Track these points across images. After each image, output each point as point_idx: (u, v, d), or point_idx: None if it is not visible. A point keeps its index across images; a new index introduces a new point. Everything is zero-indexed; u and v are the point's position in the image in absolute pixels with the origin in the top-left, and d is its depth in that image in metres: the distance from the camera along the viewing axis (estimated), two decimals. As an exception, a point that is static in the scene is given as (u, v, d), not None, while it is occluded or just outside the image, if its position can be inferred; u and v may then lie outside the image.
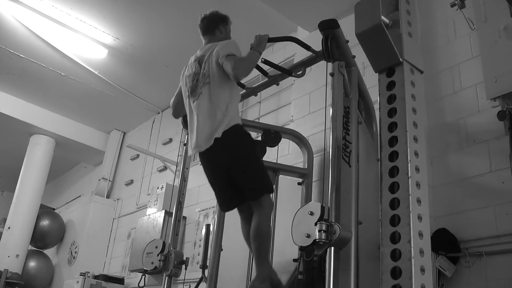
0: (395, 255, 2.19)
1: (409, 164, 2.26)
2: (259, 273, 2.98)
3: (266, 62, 3.40)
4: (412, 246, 2.13)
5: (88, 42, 6.68)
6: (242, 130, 3.16)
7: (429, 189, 3.66)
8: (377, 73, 2.63)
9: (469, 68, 3.89)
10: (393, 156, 2.36)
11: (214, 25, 3.43)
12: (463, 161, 3.69)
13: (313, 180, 4.32)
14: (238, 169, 3.09)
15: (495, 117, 3.41)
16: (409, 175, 2.24)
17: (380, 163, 2.44)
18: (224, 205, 3.37)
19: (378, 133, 2.55)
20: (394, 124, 2.43)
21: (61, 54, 7.04)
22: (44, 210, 8.69)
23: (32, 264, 8.10)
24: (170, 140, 7.64)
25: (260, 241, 3.02)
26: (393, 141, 2.40)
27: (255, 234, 3.02)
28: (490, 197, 3.40)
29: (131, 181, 8.33)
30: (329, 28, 2.79)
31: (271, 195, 3.23)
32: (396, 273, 2.14)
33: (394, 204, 2.28)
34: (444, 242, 3.40)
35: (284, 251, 4.02)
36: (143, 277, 3.79)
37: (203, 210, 6.09)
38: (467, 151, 3.67)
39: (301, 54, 3.40)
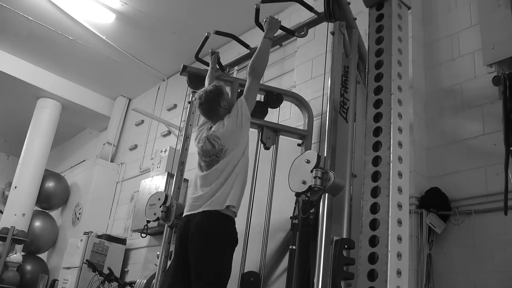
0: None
1: (392, 83, 2.53)
2: None
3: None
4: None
5: (96, 7, 6.75)
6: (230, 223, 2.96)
7: (423, 151, 3.81)
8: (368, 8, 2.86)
9: (467, 36, 3.97)
10: (379, 76, 2.61)
11: (215, 105, 3.16)
12: (458, 124, 3.79)
13: (312, 143, 4.43)
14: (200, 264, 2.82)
15: (490, 82, 3.48)
16: (392, 92, 2.51)
17: (367, 83, 2.67)
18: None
19: (367, 59, 2.78)
20: (381, 50, 2.68)
21: (70, 17, 7.12)
22: (49, 173, 8.85)
23: (37, 224, 8.31)
24: (175, 106, 7.74)
25: None
26: (379, 64, 2.64)
27: None
28: (482, 159, 3.52)
29: (135, 146, 8.47)
30: (331, -12, 2.90)
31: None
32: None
33: (378, 117, 2.53)
34: (436, 200, 3.52)
35: (282, 210, 4.15)
36: (146, 226, 3.93)
37: (204, 173, 6.17)
38: (461, 115, 3.78)
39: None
